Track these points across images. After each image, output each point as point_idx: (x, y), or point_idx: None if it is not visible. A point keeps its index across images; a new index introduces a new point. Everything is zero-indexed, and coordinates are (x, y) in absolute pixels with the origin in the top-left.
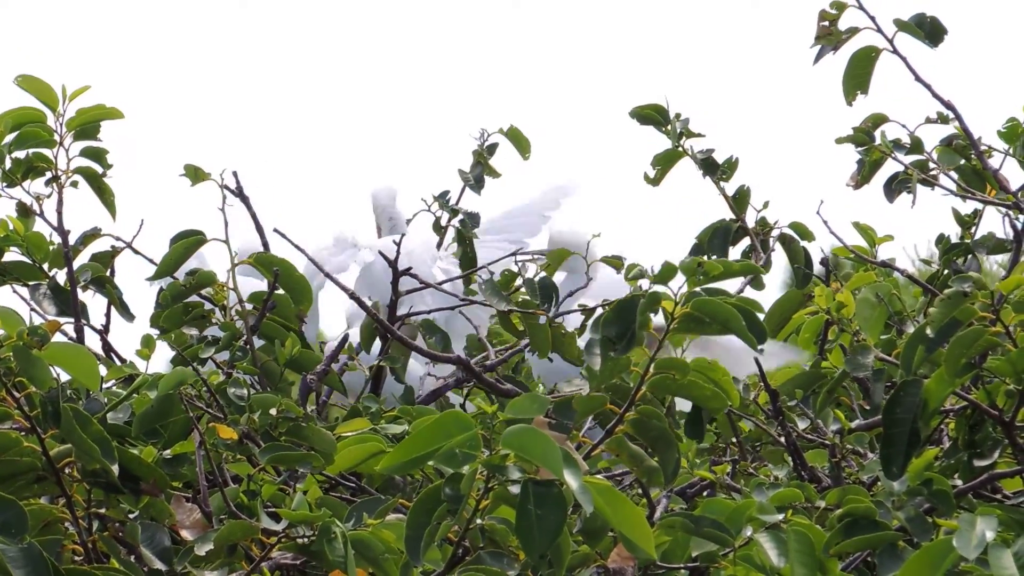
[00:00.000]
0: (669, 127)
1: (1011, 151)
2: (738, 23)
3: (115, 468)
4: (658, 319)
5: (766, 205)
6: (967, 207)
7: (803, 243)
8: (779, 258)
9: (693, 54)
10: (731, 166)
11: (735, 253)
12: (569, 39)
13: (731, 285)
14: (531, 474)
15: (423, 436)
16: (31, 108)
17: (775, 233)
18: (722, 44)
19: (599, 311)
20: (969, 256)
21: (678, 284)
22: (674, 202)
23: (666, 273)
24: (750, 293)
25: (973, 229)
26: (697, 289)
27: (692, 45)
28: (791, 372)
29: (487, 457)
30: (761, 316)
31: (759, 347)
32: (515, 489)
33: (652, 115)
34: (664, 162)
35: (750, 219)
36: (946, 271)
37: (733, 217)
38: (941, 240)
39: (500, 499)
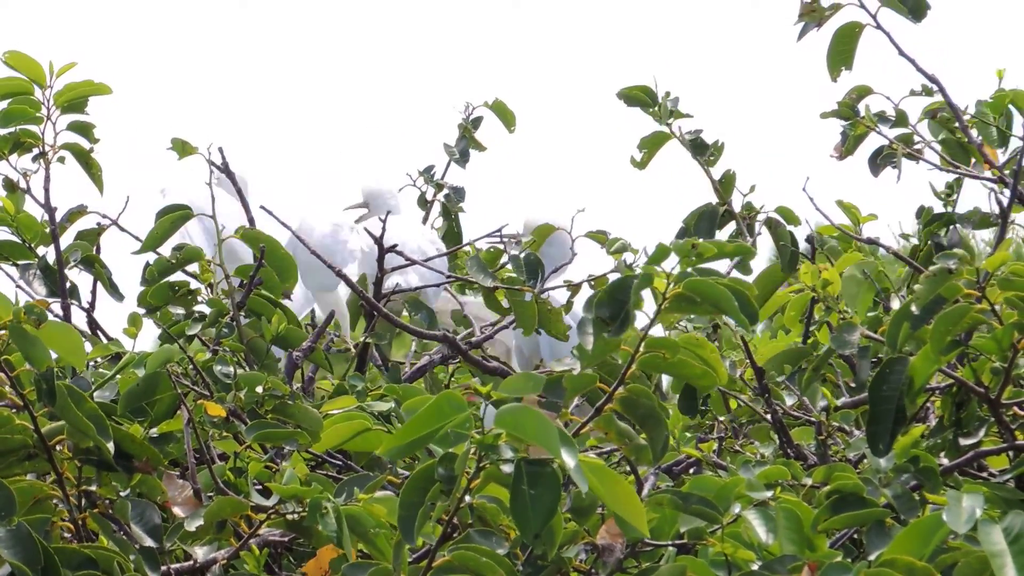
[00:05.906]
0: (657, 108)
1: (993, 122)
2: (724, 1)
3: (110, 446)
4: None
5: (752, 189)
6: (944, 180)
7: (789, 227)
8: (764, 242)
9: (679, 32)
10: (718, 150)
11: (721, 237)
12: (556, 16)
13: (718, 269)
14: (522, 453)
15: (421, 420)
16: (18, 81)
17: (761, 217)
18: (708, 22)
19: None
20: (951, 227)
21: (669, 265)
22: (659, 186)
23: (660, 254)
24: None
25: (954, 196)
26: (689, 269)
27: (678, 23)
28: (777, 349)
29: (480, 437)
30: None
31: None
32: (507, 468)
33: (640, 96)
34: (651, 145)
35: (736, 203)
36: (928, 243)
37: (719, 201)
38: (922, 212)
39: (491, 478)
